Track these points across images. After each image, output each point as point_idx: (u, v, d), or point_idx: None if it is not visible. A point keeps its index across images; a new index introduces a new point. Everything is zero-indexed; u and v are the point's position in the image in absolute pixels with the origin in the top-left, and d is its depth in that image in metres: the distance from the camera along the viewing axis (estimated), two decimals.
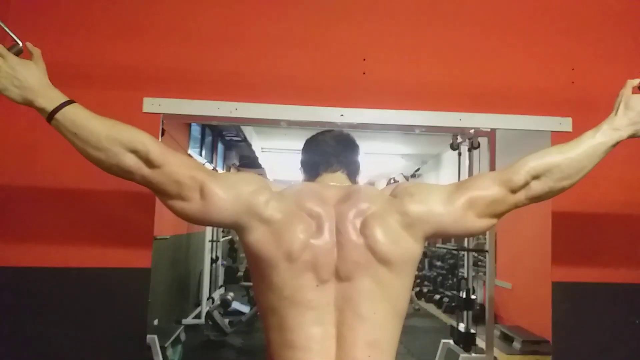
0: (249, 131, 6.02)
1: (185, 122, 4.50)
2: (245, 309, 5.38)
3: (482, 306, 3.89)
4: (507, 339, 4.29)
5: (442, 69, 1.68)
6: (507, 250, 4.86)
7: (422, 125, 1.68)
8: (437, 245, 6.60)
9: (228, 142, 6.72)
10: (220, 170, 6.25)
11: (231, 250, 7.96)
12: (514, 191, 0.98)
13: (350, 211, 0.95)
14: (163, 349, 3.28)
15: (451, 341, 3.45)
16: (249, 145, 6.46)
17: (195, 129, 5.14)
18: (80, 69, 1.54)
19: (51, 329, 1.49)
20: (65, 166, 1.45)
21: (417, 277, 7.11)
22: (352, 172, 1.10)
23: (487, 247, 3.20)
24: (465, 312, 3.40)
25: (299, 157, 1.13)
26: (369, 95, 1.64)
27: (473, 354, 3.24)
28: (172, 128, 3.92)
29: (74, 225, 1.52)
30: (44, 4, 1.59)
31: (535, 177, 0.98)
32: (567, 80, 1.70)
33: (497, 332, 4.20)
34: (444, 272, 6.85)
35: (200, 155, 5.25)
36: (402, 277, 0.95)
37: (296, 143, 1.42)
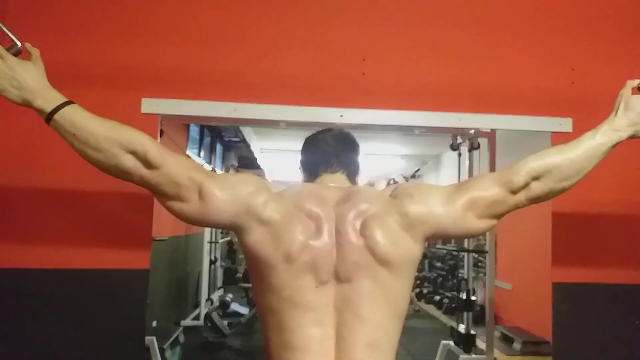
0: (247, 132, 6.02)
1: (183, 122, 4.50)
2: (244, 310, 5.37)
3: (482, 307, 3.89)
4: (507, 339, 4.28)
5: (442, 69, 1.68)
6: (507, 251, 4.85)
7: (421, 126, 1.68)
8: (437, 246, 6.58)
9: (227, 143, 6.71)
10: (219, 171, 6.24)
11: (230, 252, 7.96)
12: (514, 192, 0.98)
13: (349, 212, 0.94)
14: (162, 350, 3.28)
15: (451, 342, 3.44)
16: (248, 146, 6.46)
17: (194, 130, 5.13)
18: (78, 70, 1.54)
19: (50, 330, 1.49)
20: (64, 167, 1.45)
21: (417, 278, 7.11)
22: (352, 172, 1.09)
23: (487, 248, 3.20)
24: (465, 313, 3.41)
25: (298, 157, 1.13)
26: (369, 96, 1.64)
27: (473, 355, 3.24)
28: (171, 129, 3.92)
29: (72, 226, 1.52)
30: (43, 4, 1.59)
31: (535, 178, 0.97)
32: (567, 80, 1.70)
33: (497, 333, 4.19)
34: (444, 273, 6.85)
35: (199, 156, 5.25)
36: (402, 278, 0.95)
37: (295, 144, 1.41)
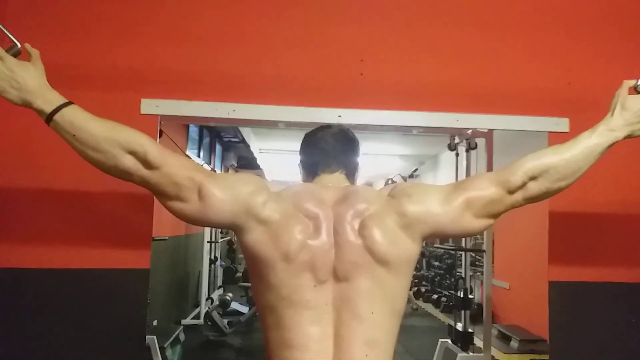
0: (247, 132, 6.02)
1: (183, 123, 4.50)
2: (244, 309, 5.38)
3: (480, 306, 3.91)
4: (504, 338, 4.30)
5: (440, 69, 1.69)
6: (505, 250, 4.87)
7: (419, 126, 1.69)
8: (435, 245, 6.61)
9: (226, 143, 6.72)
10: (218, 171, 6.24)
11: (230, 251, 7.97)
12: (511, 192, 0.98)
13: (348, 212, 0.95)
14: (162, 349, 3.28)
15: (449, 340, 3.46)
16: (247, 146, 6.46)
17: (193, 130, 5.13)
18: (78, 71, 1.54)
19: (51, 329, 1.49)
20: (64, 167, 1.45)
21: (415, 276, 7.13)
22: (351, 172, 1.10)
23: (484, 247, 3.21)
24: (463, 312, 3.42)
25: (296, 158, 1.13)
26: (367, 96, 1.64)
27: (471, 353, 3.25)
28: (170, 129, 3.91)
29: (73, 226, 1.52)
30: (43, 5, 1.59)
31: (533, 178, 0.98)
32: (564, 81, 1.71)
33: (494, 332, 4.21)
34: (442, 272, 6.87)
35: (199, 156, 5.26)
36: (400, 277, 0.95)
37: (294, 144, 1.42)
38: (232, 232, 1.02)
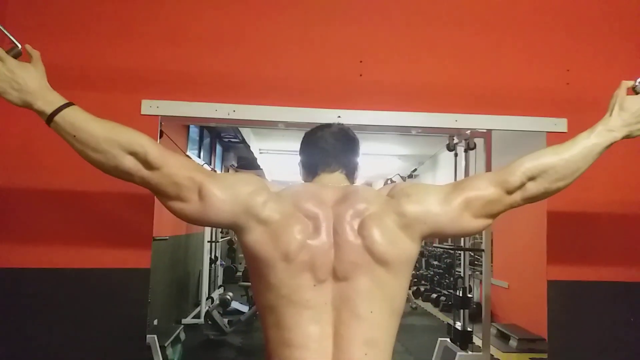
0: (247, 132, 6.03)
1: (183, 123, 4.50)
2: (244, 308, 5.39)
3: (479, 305, 3.92)
4: (503, 337, 4.31)
5: (438, 70, 1.69)
6: (503, 249, 4.88)
7: (418, 127, 1.70)
8: (434, 244, 6.63)
9: (226, 144, 6.72)
10: (218, 171, 6.25)
11: (230, 251, 7.98)
12: (509, 192, 0.99)
13: (347, 212, 0.95)
14: (163, 348, 3.29)
15: (448, 339, 3.47)
16: (247, 147, 6.47)
17: (194, 131, 5.14)
18: (78, 72, 1.55)
19: (51, 329, 1.50)
20: (64, 167, 1.46)
21: (414, 276, 7.14)
22: (351, 171, 1.10)
23: (483, 247, 3.22)
24: (462, 311, 3.42)
25: (296, 158, 1.13)
26: (366, 97, 1.65)
27: (470, 352, 3.26)
28: (171, 130, 3.92)
29: (73, 226, 1.53)
30: (43, 5, 1.59)
31: (531, 178, 0.99)
32: (562, 81, 1.71)
33: (493, 331, 4.22)
34: (441, 271, 6.88)
35: (199, 156, 5.26)
36: (399, 277, 0.96)
37: (294, 144, 1.42)
38: (232, 231, 1.02)
